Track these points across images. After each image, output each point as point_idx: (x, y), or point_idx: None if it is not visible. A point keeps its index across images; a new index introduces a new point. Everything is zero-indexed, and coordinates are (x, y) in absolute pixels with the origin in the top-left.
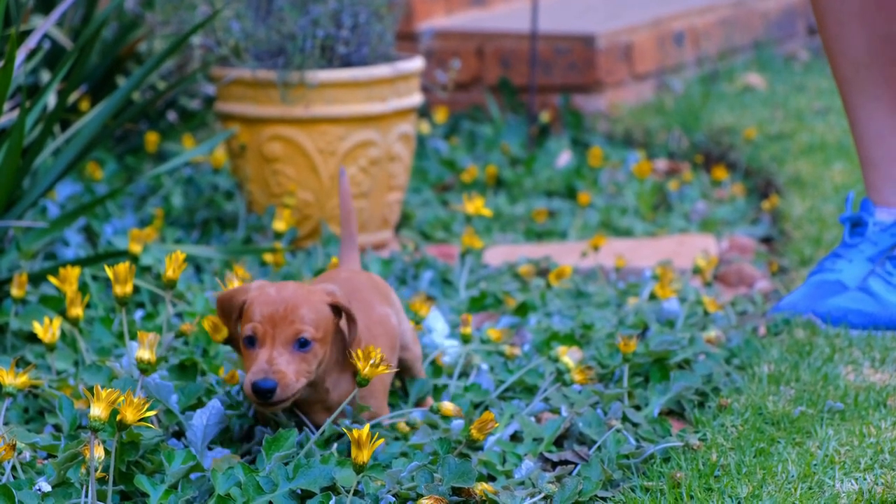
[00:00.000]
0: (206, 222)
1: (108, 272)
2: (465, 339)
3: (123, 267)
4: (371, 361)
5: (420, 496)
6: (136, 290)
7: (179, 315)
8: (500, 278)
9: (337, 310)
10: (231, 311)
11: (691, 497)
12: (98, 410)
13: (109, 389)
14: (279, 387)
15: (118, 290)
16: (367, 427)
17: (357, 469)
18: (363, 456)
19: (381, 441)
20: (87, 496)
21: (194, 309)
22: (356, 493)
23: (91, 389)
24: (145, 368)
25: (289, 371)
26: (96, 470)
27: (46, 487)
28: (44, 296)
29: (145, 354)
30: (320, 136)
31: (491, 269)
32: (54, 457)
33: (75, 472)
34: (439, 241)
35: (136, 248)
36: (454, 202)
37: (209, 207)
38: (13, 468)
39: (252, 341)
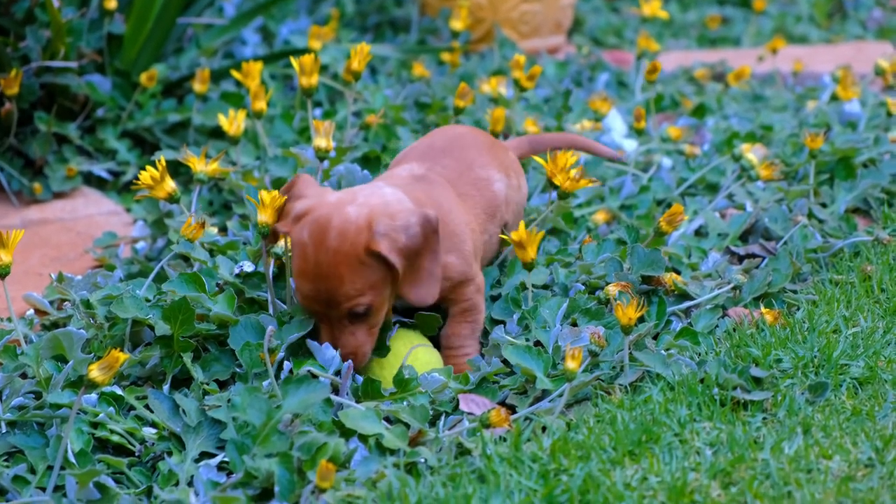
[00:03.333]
0: (379, 26)
1: (294, 64)
2: (640, 133)
3: (309, 58)
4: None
5: (608, 284)
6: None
7: (356, 114)
8: (675, 82)
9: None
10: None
11: (882, 290)
12: (264, 217)
13: (274, 195)
14: (357, 362)
15: (304, 81)
16: (521, 225)
17: (528, 267)
18: (528, 254)
19: (542, 234)
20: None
21: (372, 106)
22: (545, 286)
23: (276, 181)
24: (322, 157)
25: (359, 346)
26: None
27: (249, 268)
28: (224, 92)
29: (322, 142)
30: None
31: (665, 74)
32: (247, 244)
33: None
34: (611, 46)
35: (315, 45)
36: (625, 8)
37: (380, 12)
38: (211, 251)
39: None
